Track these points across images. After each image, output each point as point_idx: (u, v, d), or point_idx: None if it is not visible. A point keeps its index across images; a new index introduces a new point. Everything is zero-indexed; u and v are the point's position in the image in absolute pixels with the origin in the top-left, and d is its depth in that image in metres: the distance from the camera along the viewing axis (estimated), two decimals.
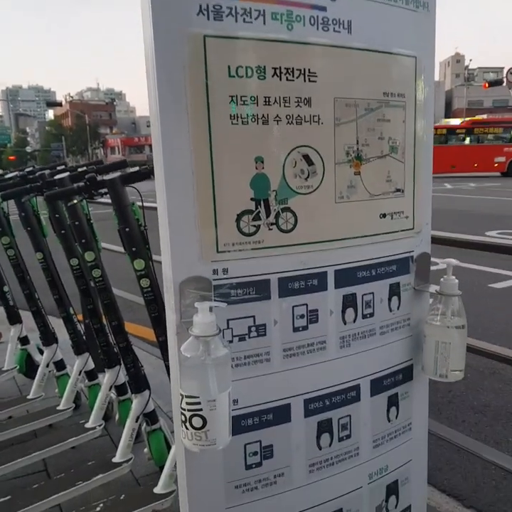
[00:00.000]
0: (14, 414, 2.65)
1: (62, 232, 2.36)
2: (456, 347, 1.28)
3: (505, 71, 25.11)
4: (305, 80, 1.08)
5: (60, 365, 2.85)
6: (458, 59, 69.72)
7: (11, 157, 62.67)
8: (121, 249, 1.86)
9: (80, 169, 2.33)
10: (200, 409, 0.97)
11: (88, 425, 2.34)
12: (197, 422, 0.98)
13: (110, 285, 2.17)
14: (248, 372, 1.15)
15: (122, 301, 2.66)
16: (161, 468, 1.96)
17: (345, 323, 1.25)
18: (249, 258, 1.11)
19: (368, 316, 1.28)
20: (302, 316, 1.19)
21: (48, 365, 2.78)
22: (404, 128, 1.25)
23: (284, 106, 1.07)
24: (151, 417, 2.13)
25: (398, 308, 1.34)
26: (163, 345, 1.80)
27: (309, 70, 1.08)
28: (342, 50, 1.12)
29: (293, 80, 1.07)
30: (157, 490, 1.87)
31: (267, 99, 1.05)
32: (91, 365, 2.68)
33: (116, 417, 2.43)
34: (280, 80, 1.06)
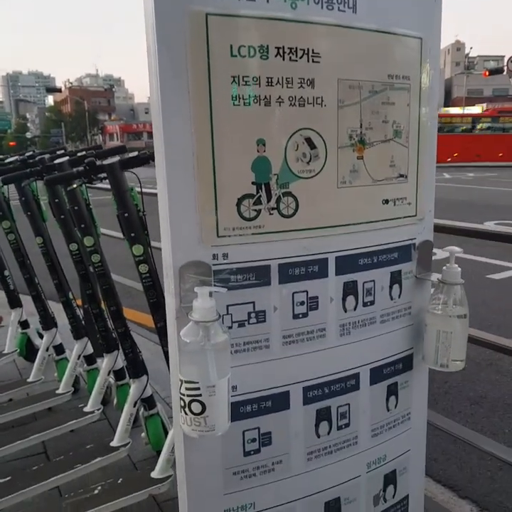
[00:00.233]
0: (14, 397, 2.68)
1: (62, 216, 2.36)
2: (457, 336, 1.26)
3: (505, 59, 24.97)
4: (308, 61, 1.06)
5: (59, 349, 2.87)
6: (458, 47, 69.22)
7: (12, 143, 62.51)
8: (120, 234, 1.85)
9: (79, 154, 2.31)
10: (200, 395, 0.96)
11: (87, 409, 2.35)
12: (196, 407, 0.97)
13: (109, 270, 2.16)
14: (247, 359, 1.13)
15: (121, 286, 2.65)
16: (158, 452, 1.97)
17: (345, 311, 1.24)
18: (249, 243, 1.09)
19: (369, 303, 1.27)
20: (302, 303, 1.18)
21: (47, 349, 2.79)
22: (409, 112, 1.23)
23: (287, 87, 1.05)
24: (148, 402, 2.14)
25: (399, 297, 1.32)
26: (161, 331, 1.80)
27: (313, 50, 1.06)
28: (346, 30, 1.10)
29: (296, 61, 1.05)
30: (154, 474, 1.88)
31: (270, 79, 1.03)
32: (90, 349, 2.69)
33: (115, 401, 2.44)
34: (283, 60, 1.03)
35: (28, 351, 3.13)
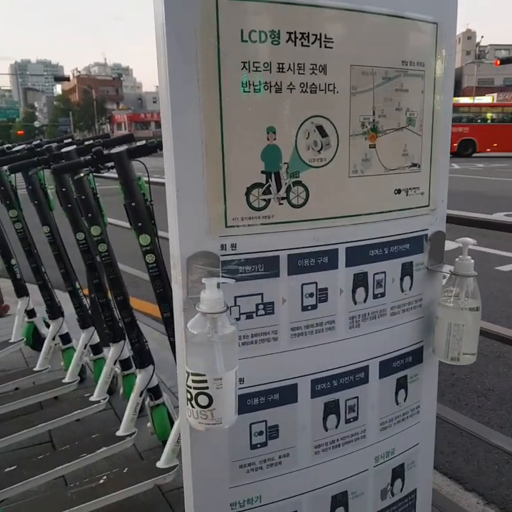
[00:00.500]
0: (20, 386, 2.70)
1: (69, 206, 2.36)
2: (469, 329, 1.24)
3: None
4: (321, 46, 1.03)
5: (65, 338, 2.88)
6: (469, 36, 68.50)
7: (20, 131, 62.63)
8: (127, 224, 1.84)
9: (86, 143, 2.30)
10: (207, 388, 0.94)
11: (93, 398, 2.36)
12: (203, 400, 0.95)
13: (116, 260, 2.16)
14: (255, 351, 1.12)
15: (127, 276, 2.65)
16: (164, 442, 1.98)
17: (355, 303, 1.21)
18: (258, 233, 1.07)
19: (379, 296, 1.25)
20: (311, 295, 1.16)
21: (54, 338, 2.80)
22: (423, 99, 1.19)
23: (299, 73, 1.02)
24: (154, 392, 2.14)
25: (410, 289, 1.30)
26: (167, 321, 1.79)
27: (326, 35, 1.03)
28: (360, 14, 1.06)
29: (308, 46, 1.01)
30: (160, 464, 1.89)
31: (281, 65, 1.00)
32: (96, 339, 2.70)
33: (121, 391, 2.45)
34: (295, 45, 1.00)
35: (35, 340, 3.15)
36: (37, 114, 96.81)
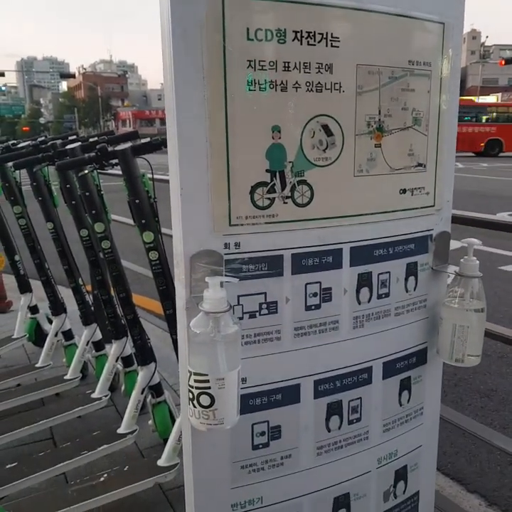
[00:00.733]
0: (22, 382, 2.70)
1: (73, 202, 2.36)
2: (474, 331, 1.23)
3: None
4: (327, 45, 1.02)
5: (68, 334, 2.88)
6: (474, 35, 68.42)
7: (25, 128, 62.74)
8: (131, 221, 1.84)
9: (91, 140, 2.30)
10: (209, 388, 0.94)
11: (94, 395, 2.36)
12: (205, 400, 0.95)
13: (119, 257, 2.16)
14: (258, 351, 1.11)
15: (131, 273, 2.65)
16: (165, 440, 1.97)
17: (359, 303, 1.21)
18: (262, 232, 1.06)
19: (383, 296, 1.24)
20: (315, 295, 1.15)
21: (56, 335, 2.81)
22: (429, 99, 1.18)
23: (304, 72, 1.01)
24: (156, 390, 2.14)
25: (415, 289, 1.29)
26: (170, 319, 1.79)
27: (332, 34, 1.02)
28: (366, 13, 1.05)
29: (314, 45, 1.01)
30: (161, 463, 1.88)
31: (287, 64, 0.99)
32: (98, 335, 2.70)
33: (122, 388, 2.45)
34: (301, 44, 0.99)
35: (37, 336, 3.15)
36: (42, 110, 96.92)
